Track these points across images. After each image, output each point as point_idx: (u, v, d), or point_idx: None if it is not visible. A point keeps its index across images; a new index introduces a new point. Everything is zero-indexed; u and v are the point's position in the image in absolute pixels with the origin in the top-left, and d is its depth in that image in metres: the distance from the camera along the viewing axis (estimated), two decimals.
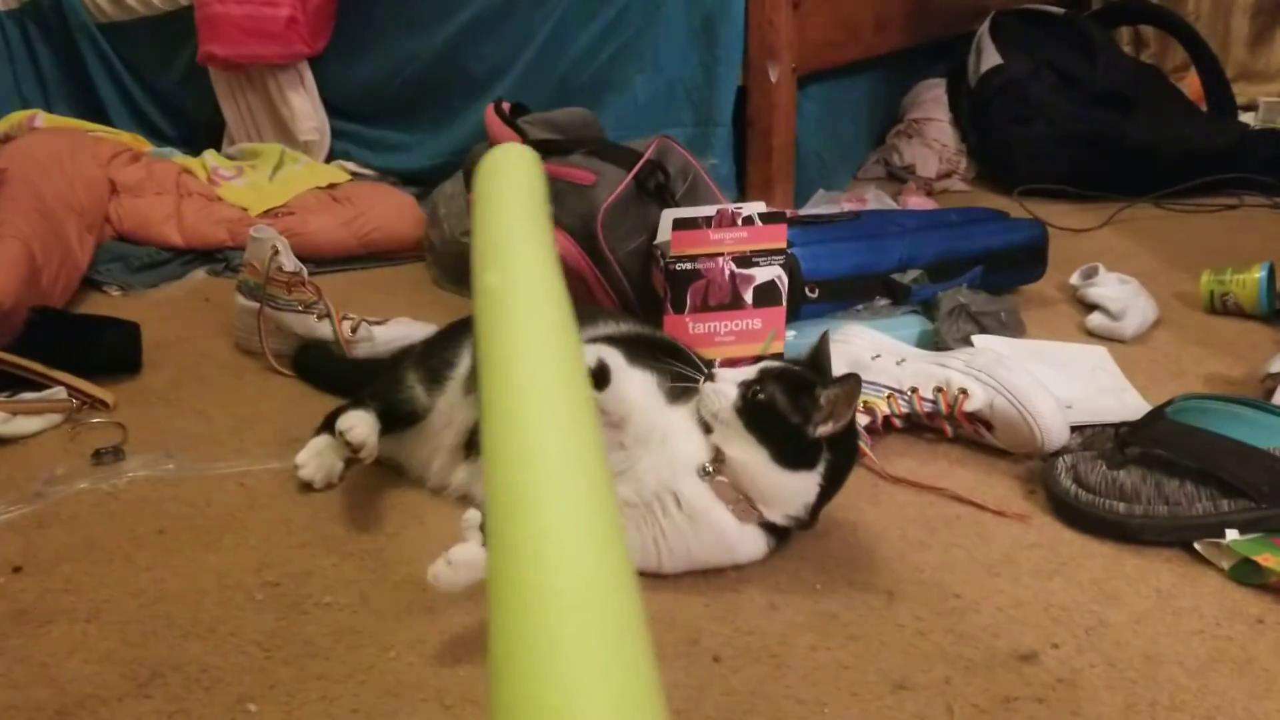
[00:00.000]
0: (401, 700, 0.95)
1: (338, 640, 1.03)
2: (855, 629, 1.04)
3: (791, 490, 1.11)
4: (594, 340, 1.21)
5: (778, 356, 1.54)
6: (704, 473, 1.11)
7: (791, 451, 1.10)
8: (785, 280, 1.54)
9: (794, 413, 1.09)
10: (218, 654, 1.02)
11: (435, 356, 1.31)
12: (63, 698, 0.96)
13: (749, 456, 1.10)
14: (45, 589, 1.12)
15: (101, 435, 1.46)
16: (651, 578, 1.11)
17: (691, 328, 1.54)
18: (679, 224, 1.51)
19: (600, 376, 1.07)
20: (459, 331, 1.34)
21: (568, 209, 1.59)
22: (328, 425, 1.31)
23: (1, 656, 1.02)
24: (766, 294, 1.54)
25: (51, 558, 1.18)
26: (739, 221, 1.51)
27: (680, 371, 1.16)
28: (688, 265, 1.51)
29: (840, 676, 0.97)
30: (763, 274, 1.53)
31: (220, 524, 1.24)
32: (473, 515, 1.04)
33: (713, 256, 1.51)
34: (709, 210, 1.52)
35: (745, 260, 1.52)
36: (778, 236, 1.53)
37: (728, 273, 1.52)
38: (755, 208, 1.53)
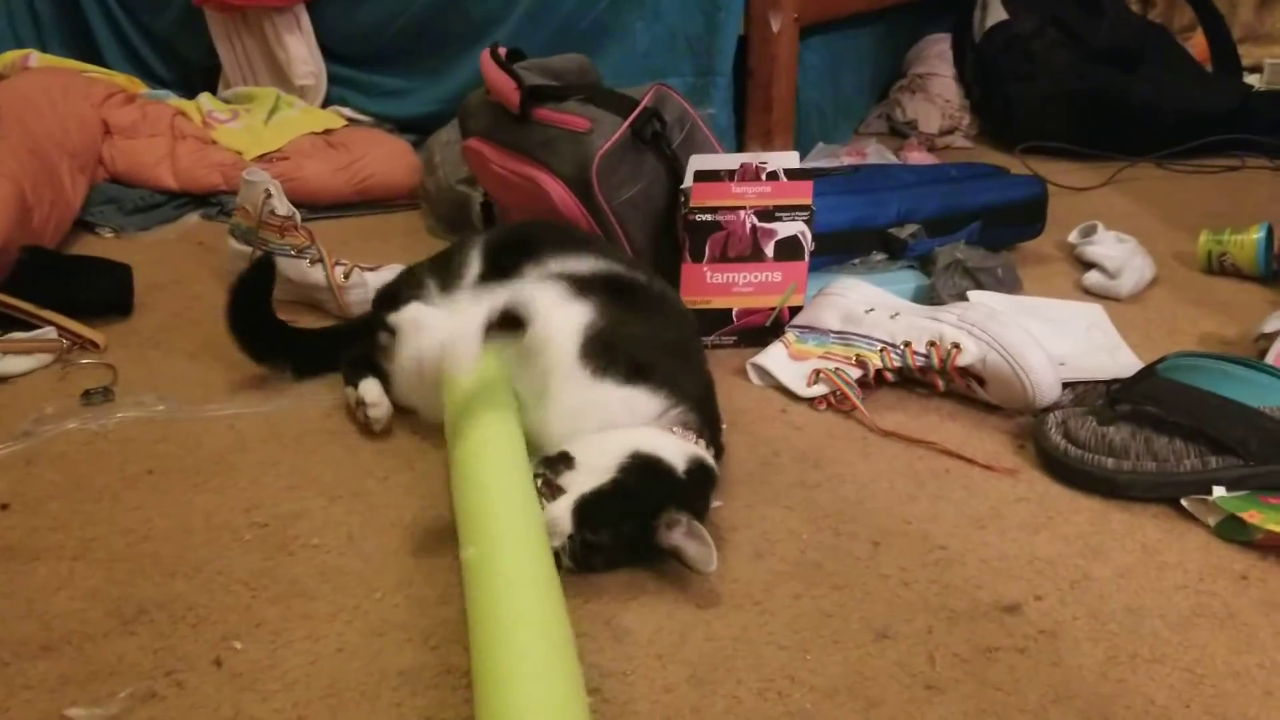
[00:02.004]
0: (386, 640, 0.95)
1: (324, 581, 1.04)
2: (839, 578, 1.04)
3: None
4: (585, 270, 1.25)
5: (796, 309, 1.54)
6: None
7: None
8: (808, 236, 1.53)
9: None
10: (204, 592, 1.02)
11: (447, 263, 1.36)
12: (48, 633, 0.96)
13: None
14: (32, 527, 1.12)
15: (91, 376, 1.46)
16: None
17: (709, 277, 1.54)
18: (701, 175, 1.50)
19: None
20: (469, 247, 1.37)
21: (562, 156, 1.58)
22: (351, 376, 1.33)
23: None
24: (788, 249, 1.54)
25: (39, 496, 1.18)
26: (763, 176, 1.50)
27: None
28: (708, 216, 1.51)
29: (823, 624, 0.98)
30: (785, 229, 1.53)
31: (209, 465, 1.24)
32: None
33: (734, 209, 1.51)
34: (732, 162, 1.51)
35: (768, 214, 1.52)
36: (803, 192, 1.52)
37: (749, 225, 1.52)
38: (783, 159, 1.52)
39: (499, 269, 1.30)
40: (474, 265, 1.33)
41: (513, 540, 0.94)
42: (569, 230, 1.51)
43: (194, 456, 1.26)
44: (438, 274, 1.34)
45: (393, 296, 1.34)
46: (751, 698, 0.89)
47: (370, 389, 1.28)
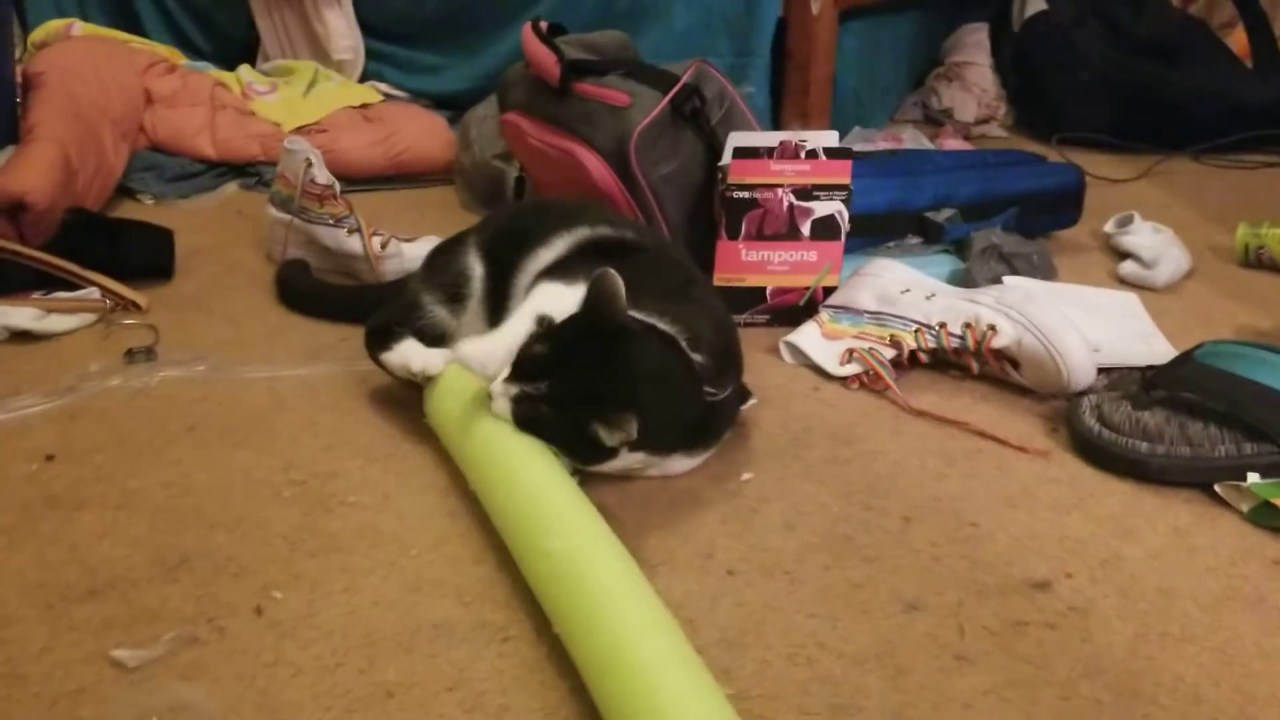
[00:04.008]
0: (421, 595, 0.97)
1: (361, 537, 1.05)
2: (870, 551, 1.05)
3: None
4: (576, 241, 1.26)
5: (831, 289, 1.54)
6: None
7: (581, 455, 1.09)
8: (846, 216, 1.54)
9: (584, 445, 1.06)
10: (244, 545, 1.04)
11: (447, 274, 1.31)
12: (92, 579, 0.98)
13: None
14: (76, 477, 1.14)
15: (134, 336, 1.48)
16: (666, 493, 1.14)
17: (744, 255, 1.54)
18: (739, 152, 1.51)
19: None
20: (463, 244, 1.34)
21: (601, 129, 1.58)
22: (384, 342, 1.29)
23: (33, 539, 1.04)
24: (825, 228, 1.54)
25: (83, 448, 1.20)
26: (802, 154, 1.51)
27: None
28: (745, 194, 1.51)
29: (853, 595, 0.98)
30: (822, 208, 1.53)
31: (249, 424, 1.26)
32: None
33: (772, 187, 1.51)
34: (771, 139, 1.51)
35: (805, 193, 1.52)
36: (841, 172, 1.53)
37: (786, 204, 1.52)
38: (823, 139, 1.52)
39: (499, 266, 1.29)
40: (476, 270, 1.30)
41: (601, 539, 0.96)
42: (550, 207, 1.47)
43: (234, 415, 1.28)
44: (437, 289, 1.31)
45: (385, 331, 1.27)
46: (781, 662, 0.90)
47: (419, 358, 1.24)
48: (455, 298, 1.29)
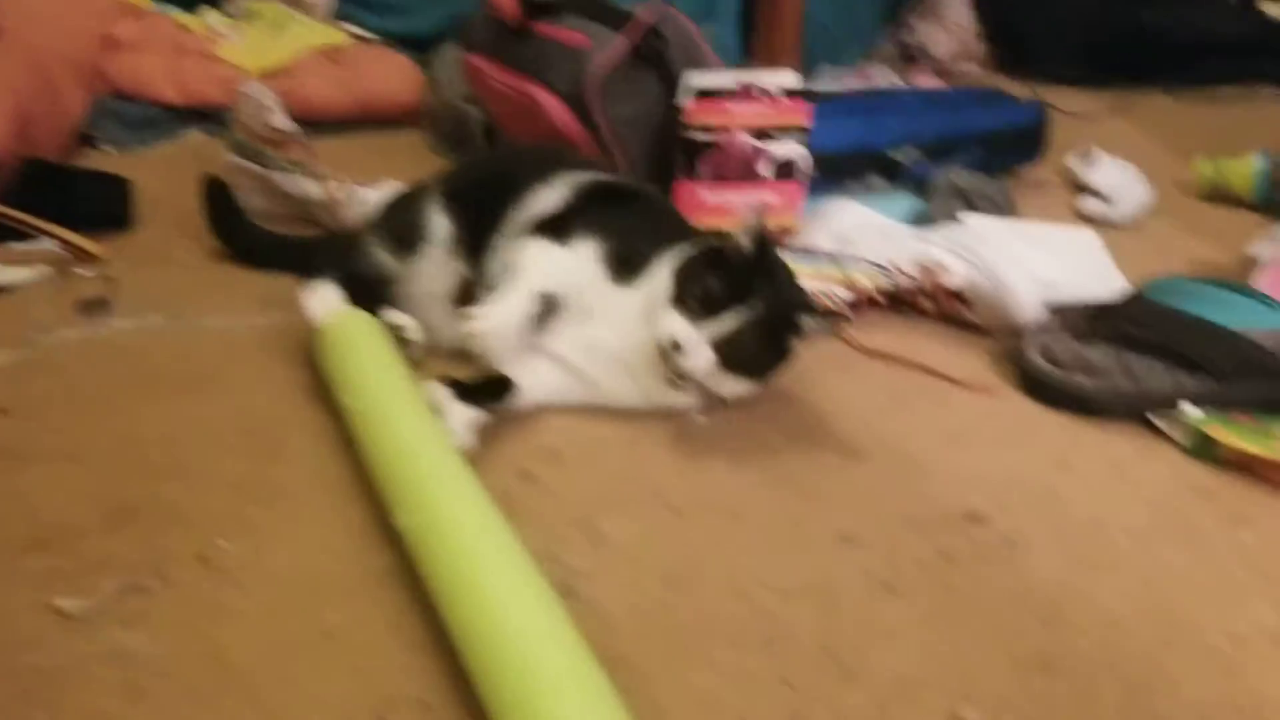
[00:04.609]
0: (368, 540, 0.98)
1: (310, 485, 1.06)
2: (812, 488, 1.06)
3: (758, 388, 1.17)
4: (567, 191, 1.25)
5: (791, 232, 1.55)
6: (674, 385, 1.15)
7: (764, 371, 1.15)
8: (806, 157, 1.54)
9: (778, 352, 1.14)
10: (192, 494, 1.05)
11: (399, 222, 1.31)
12: (39, 530, 0.99)
13: (723, 384, 1.14)
14: (28, 430, 1.15)
15: (90, 287, 1.47)
16: (621, 435, 1.15)
17: (704, 197, 1.54)
18: (696, 93, 1.50)
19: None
20: (422, 195, 1.33)
21: (560, 71, 1.58)
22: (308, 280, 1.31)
23: None
24: (784, 169, 1.54)
25: (36, 402, 1.20)
26: (759, 95, 1.50)
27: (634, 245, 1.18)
28: (704, 135, 1.51)
29: (792, 530, 1.00)
30: (781, 150, 1.53)
31: (202, 374, 1.26)
32: (436, 389, 1.10)
33: (730, 128, 1.51)
34: (729, 80, 1.50)
35: (764, 135, 1.52)
36: (799, 113, 1.52)
37: (745, 145, 1.52)
38: (781, 79, 1.51)
39: (472, 223, 1.29)
40: (437, 220, 1.29)
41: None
42: (527, 153, 1.46)
43: (187, 365, 1.28)
44: (384, 234, 1.31)
45: (315, 270, 1.28)
46: (718, 596, 0.92)
47: (395, 314, 1.26)
48: (404, 245, 1.29)
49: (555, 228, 1.21)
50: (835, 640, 0.86)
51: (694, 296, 1.10)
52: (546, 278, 1.16)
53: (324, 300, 1.24)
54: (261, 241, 1.55)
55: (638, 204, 1.29)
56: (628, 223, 1.21)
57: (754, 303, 1.10)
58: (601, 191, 1.27)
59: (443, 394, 1.09)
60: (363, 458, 1.05)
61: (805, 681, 0.82)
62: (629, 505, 1.04)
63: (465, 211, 1.29)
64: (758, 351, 1.12)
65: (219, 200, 1.54)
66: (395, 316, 1.27)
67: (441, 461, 0.99)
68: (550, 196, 1.25)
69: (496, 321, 1.12)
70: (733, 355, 1.10)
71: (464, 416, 1.08)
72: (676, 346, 1.09)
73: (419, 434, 1.03)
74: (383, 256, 1.29)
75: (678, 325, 1.09)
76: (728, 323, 1.09)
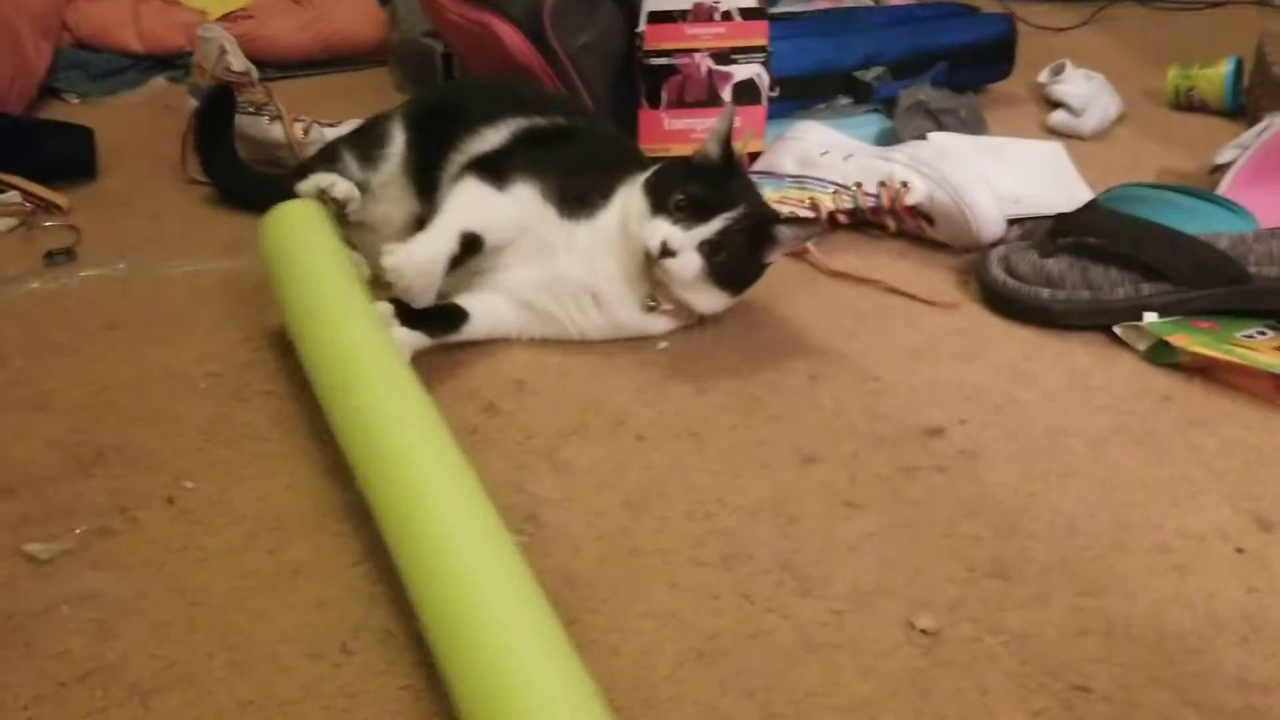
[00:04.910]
0: (334, 478, 0.99)
1: (276, 424, 1.07)
2: (775, 409, 1.07)
3: (733, 301, 1.18)
4: (512, 131, 1.26)
5: (755, 155, 1.54)
6: (648, 308, 1.17)
7: (745, 281, 1.16)
8: (765, 78, 1.53)
9: (756, 262, 1.15)
10: (160, 437, 1.05)
11: (367, 135, 1.35)
12: (7, 477, 0.99)
13: (706, 298, 1.15)
14: None
15: (55, 238, 1.47)
16: (585, 365, 1.15)
17: (667, 124, 1.54)
18: (654, 17, 1.49)
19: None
20: (391, 113, 1.36)
21: (515, 2, 1.56)
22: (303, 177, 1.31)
23: None
24: (746, 92, 1.53)
25: (2, 352, 1.21)
26: (717, 16, 1.49)
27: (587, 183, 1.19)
28: (663, 60, 1.50)
29: (755, 451, 1.01)
30: (741, 71, 1.52)
31: (168, 320, 1.27)
32: (383, 307, 1.09)
33: (689, 52, 1.50)
34: (685, 2, 1.49)
35: (724, 57, 1.51)
36: (758, 33, 1.51)
37: (705, 69, 1.51)
38: (736, 0, 1.50)
39: (425, 151, 1.30)
40: (397, 137, 1.32)
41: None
42: (480, 89, 1.46)
43: (153, 312, 1.29)
44: (357, 146, 1.34)
45: (303, 171, 1.32)
46: (679, 519, 0.93)
47: (321, 179, 1.27)
48: (368, 156, 1.31)
49: (493, 169, 1.21)
50: (794, 556, 0.88)
51: (677, 204, 1.11)
52: (470, 218, 1.16)
53: (336, 180, 1.27)
54: (242, 175, 1.56)
55: (590, 140, 1.28)
56: (578, 160, 1.22)
57: (736, 208, 1.11)
58: (549, 132, 1.27)
59: (384, 312, 1.09)
60: (303, 355, 1.05)
61: (764, 595, 0.84)
62: (592, 433, 1.05)
63: (420, 139, 1.30)
64: (739, 259, 1.13)
65: (213, 123, 1.54)
66: (322, 179, 1.28)
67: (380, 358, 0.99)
68: (493, 137, 1.26)
69: (411, 257, 1.11)
70: (717, 261, 1.11)
71: (400, 338, 1.08)
72: (666, 251, 1.09)
73: (355, 326, 1.03)
74: (353, 167, 1.32)
75: (664, 229, 1.09)
76: (713, 226, 1.10)
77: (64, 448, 1.04)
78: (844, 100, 1.76)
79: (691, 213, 1.10)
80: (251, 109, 1.64)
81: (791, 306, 1.26)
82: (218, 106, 1.54)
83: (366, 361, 0.97)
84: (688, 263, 1.10)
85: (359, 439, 0.90)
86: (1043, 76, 1.91)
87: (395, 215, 1.30)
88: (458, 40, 1.73)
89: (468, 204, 1.18)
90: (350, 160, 1.32)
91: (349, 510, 0.94)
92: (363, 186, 1.30)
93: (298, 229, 1.18)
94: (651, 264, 1.11)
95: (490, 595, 0.74)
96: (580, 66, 1.58)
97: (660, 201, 1.11)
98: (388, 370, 0.96)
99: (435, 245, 1.13)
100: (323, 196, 1.25)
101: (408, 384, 0.95)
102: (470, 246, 1.15)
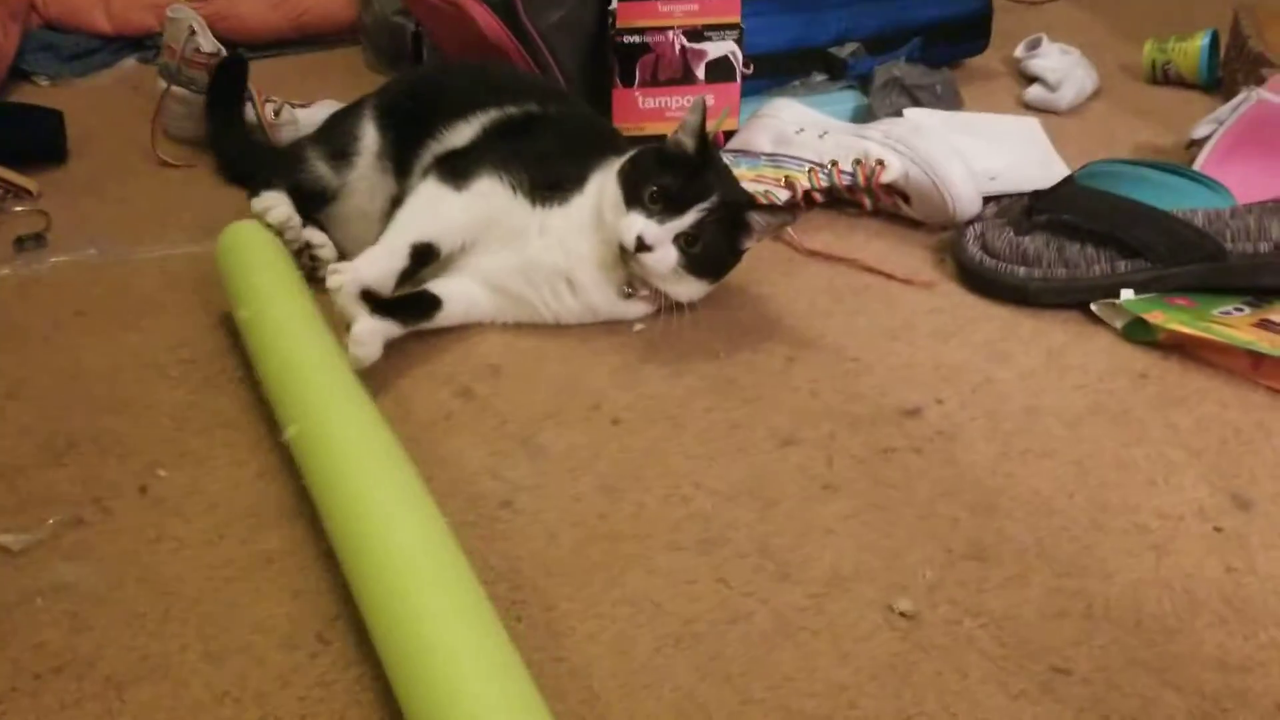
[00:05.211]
0: None
1: (248, 411, 1.06)
2: (751, 392, 1.07)
3: (712, 288, 1.18)
4: (484, 125, 1.24)
5: (730, 134, 1.53)
6: (624, 294, 1.17)
7: (722, 269, 1.16)
8: (739, 56, 1.52)
9: (732, 250, 1.15)
10: (132, 426, 1.04)
11: (335, 133, 1.31)
12: None
13: (684, 288, 1.15)
14: None
15: (25, 223, 1.45)
16: (561, 348, 1.15)
17: (641, 102, 1.53)
18: None
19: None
20: (357, 108, 1.33)
21: None
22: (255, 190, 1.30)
23: None
24: (719, 69, 1.53)
25: None
26: None
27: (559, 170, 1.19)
28: (636, 38, 1.49)
29: (731, 434, 1.01)
30: (715, 49, 1.52)
31: (139, 306, 1.25)
32: (336, 280, 1.08)
33: (662, 29, 1.49)
34: None
35: (697, 34, 1.50)
36: (730, 10, 1.51)
37: (678, 47, 1.50)
38: None
39: (398, 140, 1.28)
40: (367, 133, 1.29)
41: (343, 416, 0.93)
42: (449, 80, 1.40)
43: (125, 298, 1.27)
44: (325, 145, 1.31)
45: (261, 181, 1.29)
46: (656, 503, 0.92)
47: (260, 202, 1.25)
48: (338, 155, 1.29)
49: (457, 165, 1.19)
50: (772, 540, 0.87)
51: (651, 196, 1.10)
52: (421, 228, 1.15)
53: (277, 204, 1.24)
54: (249, 152, 1.56)
55: (563, 125, 1.27)
56: (550, 146, 1.21)
57: (711, 198, 1.10)
58: (522, 120, 1.25)
59: (353, 297, 1.08)
60: (258, 371, 1.05)
61: (742, 580, 0.83)
62: (568, 417, 1.04)
63: (393, 128, 1.28)
64: (716, 249, 1.13)
65: (222, 98, 1.58)
66: (312, 235, 1.27)
67: (327, 373, 0.99)
68: (466, 131, 1.24)
69: (357, 278, 1.09)
70: (693, 252, 1.11)
71: (371, 326, 1.07)
72: (642, 246, 1.08)
73: (306, 346, 1.02)
74: (322, 169, 1.29)
75: (640, 223, 1.09)
76: (688, 219, 1.10)
77: (35, 436, 1.03)
78: (819, 77, 1.75)
79: (666, 205, 1.10)
80: None
81: (768, 286, 1.26)
82: (226, 80, 1.57)
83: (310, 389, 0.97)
84: (664, 256, 1.10)
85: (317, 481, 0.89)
86: (1019, 51, 1.90)
87: (370, 207, 1.28)
88: (430, 19, 1.71)
89: (421, 212, 1.17)
90: (317, 162, 1.29)
91: None
92: (330, 191, 1.29)
93: (245, 251, 1.18)
94: (628, 257, 1.11)
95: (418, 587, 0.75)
96: (552, 45, 1.56)
97: (634, 193, 1.11)
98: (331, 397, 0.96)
99: (382, 263, 1.11)
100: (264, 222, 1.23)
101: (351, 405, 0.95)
102: (422, 257, 1.14)
